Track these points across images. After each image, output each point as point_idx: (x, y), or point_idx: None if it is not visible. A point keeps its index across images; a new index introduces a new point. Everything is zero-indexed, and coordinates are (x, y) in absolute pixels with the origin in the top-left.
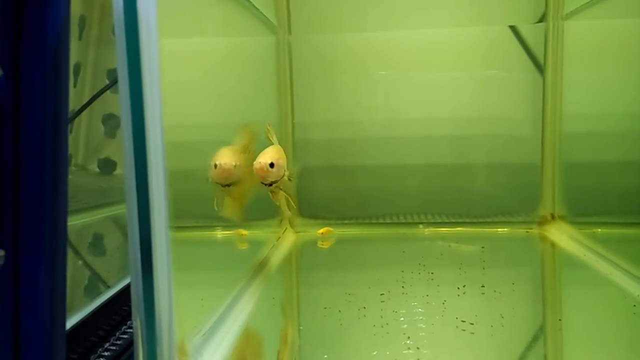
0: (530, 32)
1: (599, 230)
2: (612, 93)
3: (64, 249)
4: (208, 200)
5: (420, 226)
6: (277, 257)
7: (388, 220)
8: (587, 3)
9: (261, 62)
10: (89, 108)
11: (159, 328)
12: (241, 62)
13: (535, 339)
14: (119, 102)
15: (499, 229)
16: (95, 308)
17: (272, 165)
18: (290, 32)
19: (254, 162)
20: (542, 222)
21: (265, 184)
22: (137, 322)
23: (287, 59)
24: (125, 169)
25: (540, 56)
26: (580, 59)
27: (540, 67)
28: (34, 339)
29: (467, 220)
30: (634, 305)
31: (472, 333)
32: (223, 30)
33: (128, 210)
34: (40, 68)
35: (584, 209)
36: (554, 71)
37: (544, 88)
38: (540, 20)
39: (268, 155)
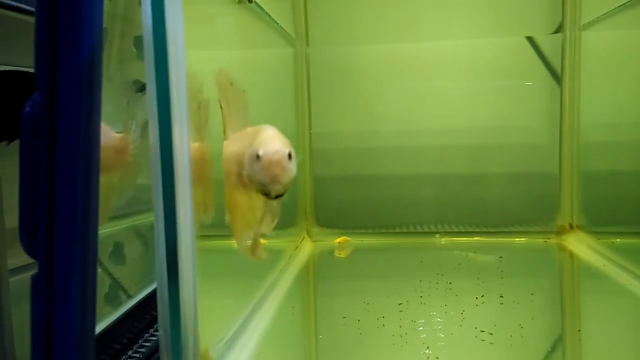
0: (546, 43)
1: (618, 240)
2: (630, 103)
3: (94, 259)
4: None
5: (437, 236)
6: (295, 266)
7: (405, 230)
8: (604, 14)
9: (280, 74)
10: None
11: (184, 336)
12: (260, 73)
13: (554, 349)
14: (148, 114)
15: (517, 239)
16: (118, 316)
17: (290, 156)
18: (308, 45)
19: (252, 150)
20: (560, 232)
21: (268, 194)
22: (163, 330)
23: (304, 70)
24: (153, 179)
25: (557, 66)
26: (598, 69)
27: (557, 77)
28: (66, 347)
29: (484, 230)
30: None
31: (492, 343)
32: (243, 43)
33: (155, 219)
34: (75, 86)
35: (602, 219)
36: (572, 81)
37: (562, 98)
38: (557, 31)
39: (278, 140)
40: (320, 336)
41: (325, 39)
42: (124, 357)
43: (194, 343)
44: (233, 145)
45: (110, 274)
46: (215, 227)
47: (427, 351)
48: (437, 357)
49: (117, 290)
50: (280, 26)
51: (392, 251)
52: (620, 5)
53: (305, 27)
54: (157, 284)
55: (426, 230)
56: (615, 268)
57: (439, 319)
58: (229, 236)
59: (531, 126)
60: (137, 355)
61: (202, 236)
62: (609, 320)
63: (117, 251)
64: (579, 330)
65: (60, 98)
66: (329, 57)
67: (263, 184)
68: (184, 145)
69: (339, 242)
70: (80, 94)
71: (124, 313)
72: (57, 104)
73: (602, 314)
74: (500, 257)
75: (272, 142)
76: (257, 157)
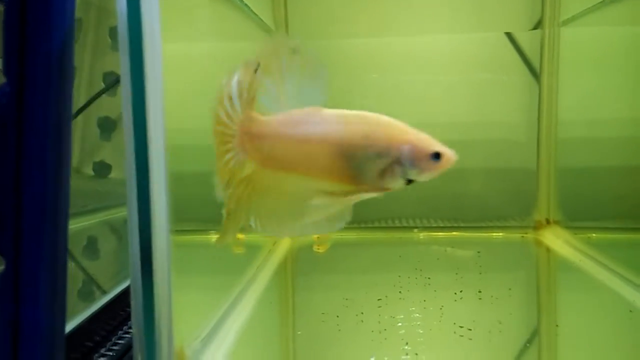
0: (526, 39)
1: (594, 235)
2: (607, 99)
3: (64, 255)
4: (203, 202)
5: (415, 230)
6: (273, 261)
7: (383, 225)
8: (583, 11)
9: None
10: (85, 111)
11: (158, 334)
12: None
13: (531, 344)
14: (122, 105)
15: (494, 234)
16: (92, 313)
17: None
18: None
19: (418, 146)
20: (537, 227)
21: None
22: (136, 327)
23: None
24: (127, 173)
25: (536, 62)
26: (576, 65)
27: (535, 74)
28: (34, 345)
29: (462, 225)
30: (630, 311)
31: (470, 339)
32: (220, 35)
33: (129, 214)
34: (44, 76)
35: (578, 214)
36: (550, 77)
37: (540, 94)
38: (536, 27)
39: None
40: (299, 332)
41: (306, 32)
42: (95, 355)
43: (168, 341)
44: (317, 130)
45: (83, 269)
46: (192, 221)
47: (406, 347)
48: (416, 353)
49: (91, 286)
50: (260, 18)
51: (371, 246)
52: (600, 2)
53: (285, 20)
54: (131, 280)
55: (405, 225)
56: (591, 263)
57: (417, 315)
58: (205, 230)
59: (509, 122)
60: (110, 353)
61: (179, 231)
62: (584, 315)
63: (91, 246)
64: (557, 325)
65: (29, 89)
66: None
67: (421, 176)
68: (159, 138)
69: (318, 237)
70: (50, 85)
71: (97, 309)
72: (25, 95)
73: (578, 308)
74: (478, 252)
75: (433, 140)
76: (434, 155)
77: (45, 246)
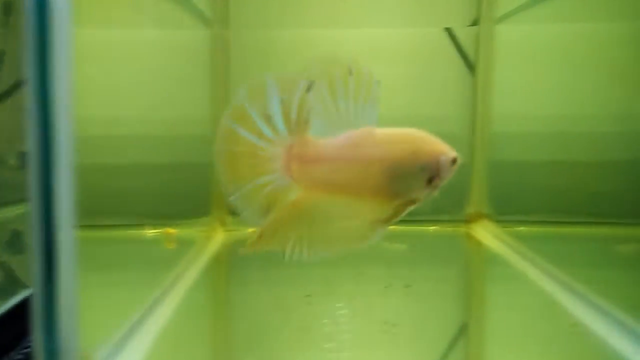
0: (464, 35)
1: (522, 228)
2: (540, 96)
3: None
4: (137, 197)
5: None
6: (204, 257)
7: None
8: (517, 7)
9: (193, 56)
10: (11, 98)
11: (60, 337)
12: (169, 55)
13: (457, 338)
14: (27, 92)
15: (429, 227)
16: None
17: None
18: (227, 27)
19: (445, 155)
20: (469, 221)
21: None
22: (37, 330)
23: (223, 53)
24: (30, 165)
25: (473, 58)
26: (510, 61)
27: (472, 69)
28: None
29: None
30: (547, 303)
31: (395, 334)
32: (151, 23)
33: (31, 209)
34: None
35: (508, 208)
36: (485, 73)
37: (475, 89)
38: (474, 24)
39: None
40: (226, 332)
41: (247, 22)
42: (12, 353)
43: (72, 345)
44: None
45: (3, 264)
46: (117, 215)
47: (330, 344)
48: (338, 351)
49: (13, 281)
50: (195, 5)
51: None
52: (532, 0)
53: (226, 8)
54: (32, 280)
55: None
56: (517, 256)
57: (344, 310)
58: (138, 225)
59: (446, 115)
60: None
61: (107, 226)
62: (511, 308)
63: (15, 239)
64: (481, 318)
65: None
66: (251, 41)
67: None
68: (64, 127)
69: (253, 232)
70: None
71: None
72: None
73: (505, 301)
74: (411, 245)
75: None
76: (453, 160)
77: None
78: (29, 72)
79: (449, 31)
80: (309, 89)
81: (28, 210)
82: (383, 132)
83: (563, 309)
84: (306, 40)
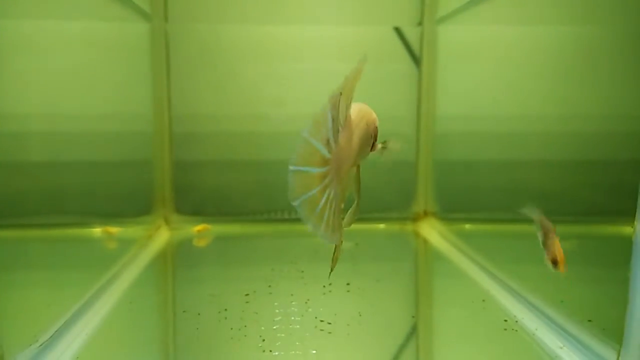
0: (412, 34)
1: (467, 226)
2: (482, 96)
3: None
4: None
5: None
6: (147, 256)
7: (273, 217)
8: (457, 9)
9: (132, 50)
10: None
11: None
12: (107, 49)
13: (405, 337)
14: None
15: (376, 225)
16: None
17: None
18: (167, 20)
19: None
20: (416, 219)
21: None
22: None
23: (163, 48)
24: None
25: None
26: (454, 61)
27: (420, 68)
28: None
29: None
30: (483, 300)
31: (330, 333)
32: (82, 14)
33: None
34: None
35: (454, 206)
36: (429, 73)
37: (420, 89)
38: (420, 23)
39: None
40: (159, 332)
41: (187, 16)
42: None
43: None
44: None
45: None
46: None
47: (263, 343)
48: (271, 350)
49: None
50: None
51: (254, 239)
52: (470, 1)
53: (164, 1)
54: None
55: (293, 217)
56: (458, 253)
57: (281, 310)
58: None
59: (393, 114)
60: None
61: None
62: (454, 305)
63: None
64: (413, 317)
65: None
66: (191, 35)
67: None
68: None
69: (199, 231)
70: None
71: None
72: None
73: (450, 299)
74: (357, 243)
75: None
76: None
77: None
78: None
79: (397, 30)
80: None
81: None
82: (355, 109)
83: (497, 305)
84: (250, 35)
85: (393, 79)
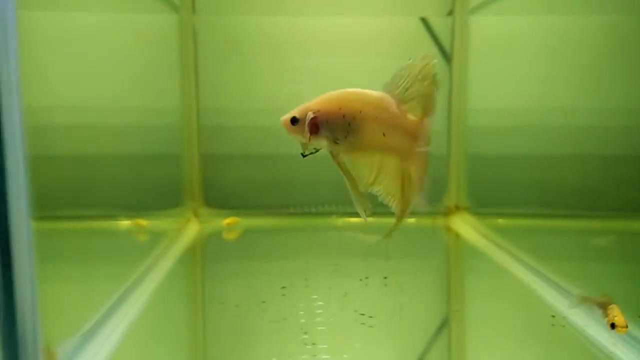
0: (440, 25)
1: (500, 220)
2: (515, 88)
3: None
4: (106, 188)
5: (333, 216)
6: (177, 249)
7: (300, 210)
8: None
9: (161, 43)
10: None
11: (20, 331)
12: (137, 41)
13: (435, 331)
14: None
15: (407, 220)
16: None
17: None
18: (194, 12)
19: None
20: (447, 213)
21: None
22: None
23: (191, 40)
24: None
25: (448, 49)
26: (486, 53)
27: (448, 60)
28: None
29: (377, 210)
30: (526, 296)
31: (371, 326)
32: (113, 6)
33: None
34: None
35: (486, 200)
36: (460, 65)
37: (451, 81)
38: (450, 14)
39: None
40: (202, 323)
41: (215, 8)
42: None
43: (33, 340)
44: None
45: None
46: (86, 206)
47: (305, 336)
48: (314, 343)
49: None
50: None
51: (284, 232)
52: None
53: None
54: None
55: (321, 210)
56: (495, 247)
57: (320, 302)
58: (102, 217)
59: None
60: None
61: (62, 217)
62: (491, 301)
63: None
64: (457, 311)
65: None
66: (218, 27)
67: None
68: (14, 115)
69: (228, 224)
70: None
71: None
72: None
73: (485, 294)
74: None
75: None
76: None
77: None
78: None
79: (424, 21)
80: None
81: None
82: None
83: (542, 300)
84: (277, 27)
85: None
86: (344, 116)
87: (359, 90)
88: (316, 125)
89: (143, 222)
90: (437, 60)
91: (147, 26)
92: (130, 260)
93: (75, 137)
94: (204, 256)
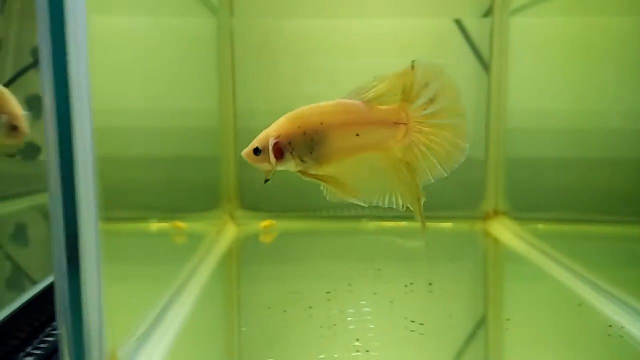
0: (475, 27)
1: (540, 226)
2: (556, 91)
3: None
4: (141, 190)
5: (364, 220)
6: (217, 252)
7: (332, 214)
8: (533, 0)
9: (200, 45)
10: (11, 88)
11: (87, 334)
12: (178, 44)
13: (478, 337)
14: (41, 83)
15: (443, 224)
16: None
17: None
18: (232, 15)
19: None
20: (486, 218)
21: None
22: (63, 327)
23: (229, 43)
24: (49, 157)
25: (485, 51)
26: (526, 55)
27: (484, 63)
28: None
29: (411, 214)
30: (579, 305)
31: (422, 334)
32: (156, 10)
33: (51, 202)
34: None
35: (526, 205)
36: (500, 67)
37: (489, 84)
38: (487, 15)
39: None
40: (244, 328)
41: (252, 10)
42: (21, 354)
43: (99, 342)
44: None
45: (10, 258)
46: (129, 208)
47: (357, 343)
48: (367, 350)
49: (19, 276)
50: None
51: (320, 236)
52: None
53: None
54: (55, 275)
55: (353, 214)
56: (538, 254)
57: (368, 309)
58: (144, 218)
59: None
60: (38, 352)
61: (114, 219)
62: (532, 307)
63: (20, 233)
64: (508, 319)
65: None
66: (255, 30)
67: None
68: (84, 118)
69: (265, 227)
70: None
71: (25, 302)
72: None
73: (526, 300)
74: (427, 242)
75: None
76: None
77: None
78: (43, 64)
79: (458, 23)
80: None
81: (51, 204)
82: None
83: (596, 310)
84: (312, 30)
85: (457, 73)
86: (304, 133)
87: (315, 104)
88: (280, 149)
89: (181, 224)
90: (416, 60)
91: (186, 29)
92: (171, 263)
93: (116, 139)
94: (244, 259)
